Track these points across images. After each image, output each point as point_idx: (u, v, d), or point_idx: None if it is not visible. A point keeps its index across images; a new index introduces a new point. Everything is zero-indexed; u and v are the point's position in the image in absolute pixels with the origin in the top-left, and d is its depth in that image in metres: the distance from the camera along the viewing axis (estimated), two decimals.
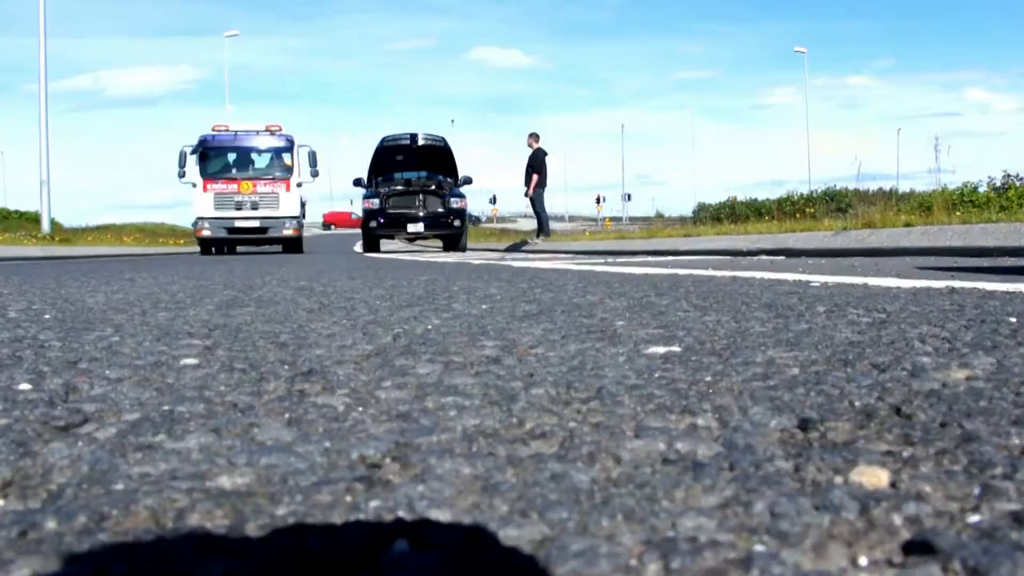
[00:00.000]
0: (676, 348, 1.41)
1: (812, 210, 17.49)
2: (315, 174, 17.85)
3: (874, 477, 0.67)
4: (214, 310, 2.33)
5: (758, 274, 3.85)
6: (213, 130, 17.84)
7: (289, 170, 17.61)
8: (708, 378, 1.11)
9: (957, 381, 1.05)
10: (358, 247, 16.40)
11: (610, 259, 7.71)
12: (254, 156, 17.97)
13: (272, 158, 17.75)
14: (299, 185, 17.71)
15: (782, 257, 7.69)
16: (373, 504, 0.62)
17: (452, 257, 9.89)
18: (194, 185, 17.23)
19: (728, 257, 8.12)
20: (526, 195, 15.87)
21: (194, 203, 17.22)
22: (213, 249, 17.94)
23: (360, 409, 0.95)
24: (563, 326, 1.78)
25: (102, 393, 1.06)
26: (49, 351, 1.49)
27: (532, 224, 19.59)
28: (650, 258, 7.93)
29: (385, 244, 17.54)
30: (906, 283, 2.99)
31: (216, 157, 17.62)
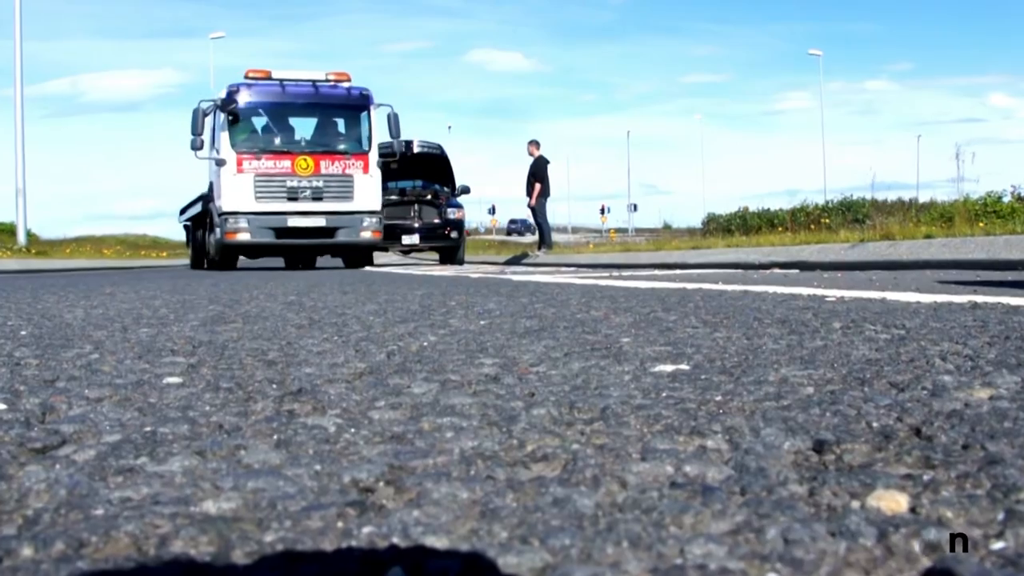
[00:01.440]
0: (684, 366, 1.41)
1: (827, 221, 17.52)
2: (396, 147, 12.89)
3: (893, 502, 0.67)
4: (199, 326, 2.33)
5: (771, 288, 3.85)
6: (247, 77, 12.43)
7: (365, 141, 12.59)
8: (718, 397, 1.11)
9: (980, 401, 1.05)
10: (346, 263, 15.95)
11: (615, 272, 7.72)
12: (314, 119, 12.89)
13: (340, 122, 12.81)
14: (379, 164, 12.69)
15: (796, 270, 7.69)
16: (366, 530, 0.62)
17: (449, 270, 9.91)
18: (219, 163, 12.06)
19: (739, 271, 8.12)
20: (528, 205, 15.89)
21: (220, 190, 12.09)
22: (228, 260, 12.84)
23: (352, 430, 0.95)
24: (566, 343, 1.78)
25: (81, 413, 1.07)
26: (25, 369, 1.49)
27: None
28: (657, 272, 7.94)
29: (378, 257, 17.04)
30: (926, 298, 2.99)
31: (255, 119, 12.51)
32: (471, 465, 0.80)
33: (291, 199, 12.18)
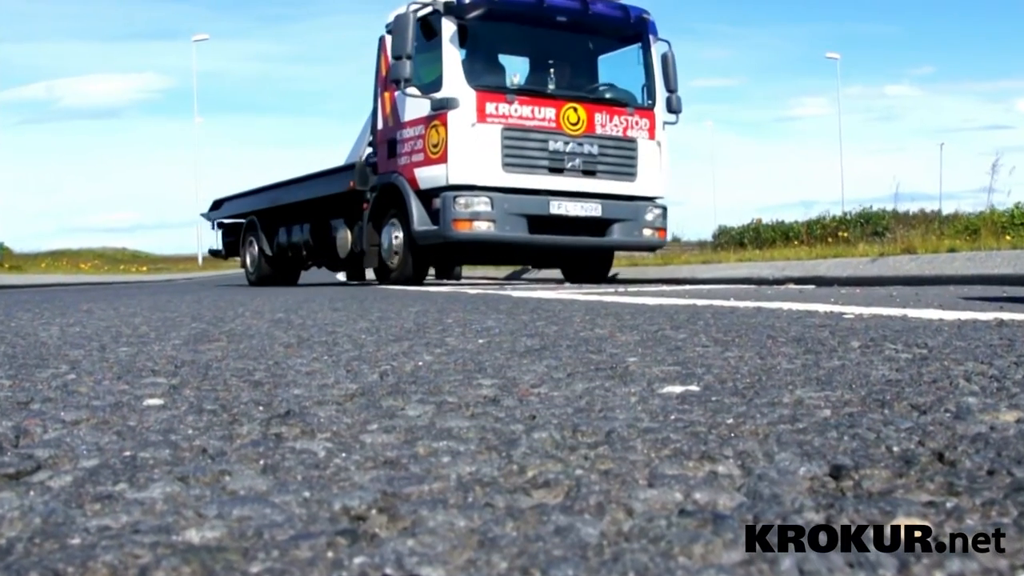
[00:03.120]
0: (694, 387, 1.41)
1: (845, 234, 17.55)
2: (674, 104, 9.32)
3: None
4: (181, 345, 2.33)
5: (785, 305, 3.86)
6: None
7: (650, 89, 9.27)
8: (730, 420, 1.12)
9: (1006, 424, 1.06)
10: (341, 275, 15.66)
11: (621, 288, 7.73)
12: (579, 50, 9.29)
13: (616, 58, 9.52)
14: (664, 126, 9.30)
15: (812, 286, 7.70)
16: (358, 560, 0.62)
17: (445, 287, 9.91)
18: (441, 104, 8.29)
19: (752, 286, 8.13)
20: None
21: (443, 149, 8.27)
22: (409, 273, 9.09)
23: (343, 455, 0.95)
24: (569, 363, 1.79)
25: (56, 437, 1.07)
26: None
27: None
28: (665, 287, 7.94)
29: (371, 272, 16.89)
30: (950, 315, 2.99)
31: (498, 40, 9.09)
32: (469, 492, 0.80)
33: (554, 171, 8.50)
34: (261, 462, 0.93)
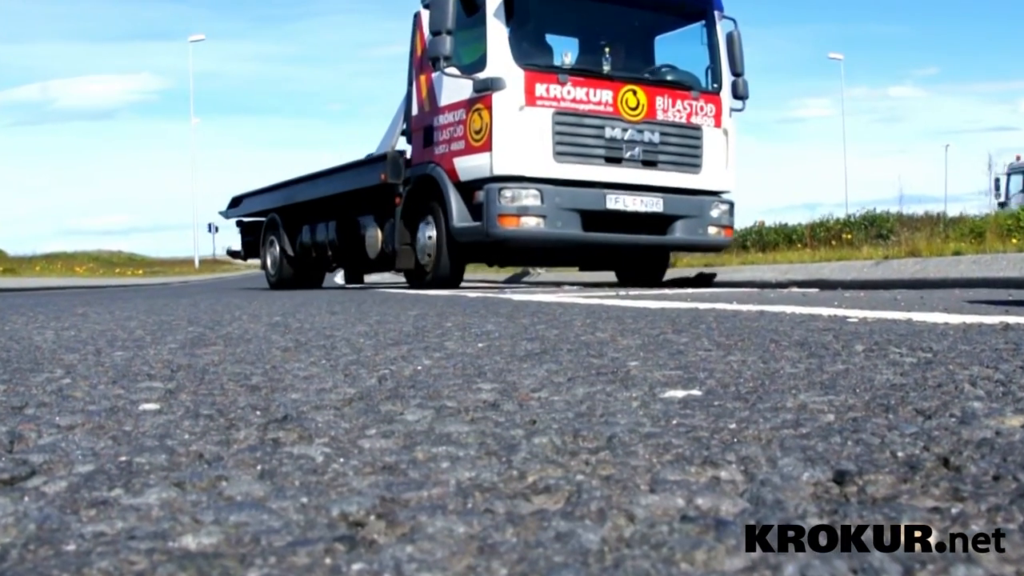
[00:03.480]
0: (696, 391, 1.41)
1: (849, 236, 17.56)
2: (741, 89, 8.60)
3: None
4: (177, 349, 2.34)
5: (789, 308, 3.86)
6: None
7: (714, 72, 8.60)
8: (732, 425, 1.12)
9: (1012, 429, 1.06)
10: (339, 278, 15.28)
11: (622, 292, 7.72)
12: (636, 28, 8.73)
13: (677, 37, 8.90)
14: (731, 113, 8.64)
15: (816, 289, 7.70)
16: (356, 567, 0.62)
17: (444, 290, 9.92)
18: (485, 86, 7.62)
19: (755, 289, 8.13)
20: None
21: (487, 136, 7.59)
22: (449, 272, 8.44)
23: (341, 460, 0.95)
24: (569, 367, 1.79)
25: (51, 442, 1.07)
26: None
27: None
28: (667, 290, 7.94)
29: (370, 275, 16.70)
30: (955, 318, 3.00)
31: (550, 18, 8.54)
32: (468, 497, 0.80)
33: (611, 161, 7.75)
34: (258, 467, 0.93)
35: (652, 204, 8.02)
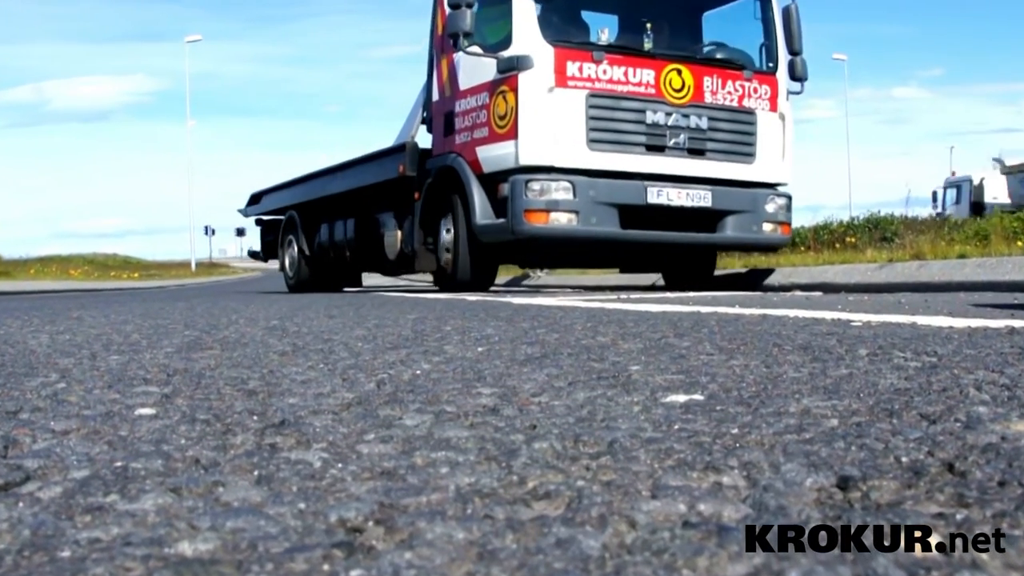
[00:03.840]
0: (698, 396, 1.41)
1: (853, 239, 17.55)
2: (799, 69, 7.77)
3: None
4: (173, 353, 2.34)
5: (791, 312, 3.86)
6: None
7: (770, 50, 7.76)
8: (735, 430, 1.12)
9: (1018, 434, 1.05)
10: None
11: (623, 295, 7.72)
12: (681, 1, 8.05)
13: (727, 12, 8.17)
14: (788, 97, 7.81)
15: (819, 293, 7.70)
16: (354, 573, 0.62)
17: (443, 293, 9.91)
18: (509, 67, 6.93)
19: (757, 293, 8.13)
20: None
21: (512, 122, 6.87)
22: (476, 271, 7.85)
23: (339, 465, 0.95)
24: (570, 371, 1.79)
25: (46, 447, 1.07)
26: None
27: None
28: (669, 294, 7.94)
29: (368, 278, 16.47)
30: (960, 322, 3.00)
31: None
32: (468, 503, 0.80)
33: (653, 149, 6.98)
34: (255, 473, 0.93)
35: (699, 198, 7.31)
